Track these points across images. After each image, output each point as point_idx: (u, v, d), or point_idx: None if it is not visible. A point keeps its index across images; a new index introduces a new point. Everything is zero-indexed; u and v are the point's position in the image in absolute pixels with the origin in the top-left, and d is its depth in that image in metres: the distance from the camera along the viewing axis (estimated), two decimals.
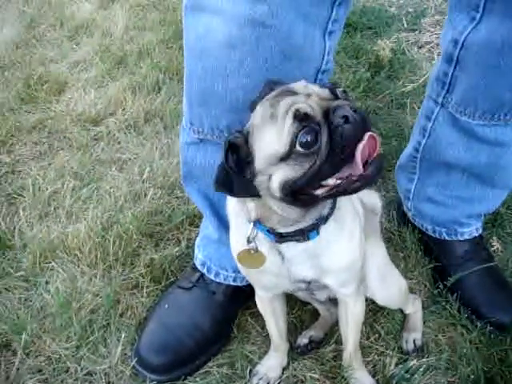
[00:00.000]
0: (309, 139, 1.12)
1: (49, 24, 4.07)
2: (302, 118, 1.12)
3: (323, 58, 1.48)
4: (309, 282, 1.51)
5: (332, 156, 1.12)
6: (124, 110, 3.03)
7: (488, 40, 1.65)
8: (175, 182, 2.49)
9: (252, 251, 1.40)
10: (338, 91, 1.19)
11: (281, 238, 1.35)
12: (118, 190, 2.48)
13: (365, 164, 1.13)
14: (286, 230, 1.34)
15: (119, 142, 2.83)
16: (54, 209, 2.42)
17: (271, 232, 1.35)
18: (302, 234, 1.35)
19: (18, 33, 3.91)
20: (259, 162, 1.18)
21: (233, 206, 1.45)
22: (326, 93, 1.17)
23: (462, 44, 1.73)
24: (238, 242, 1.45)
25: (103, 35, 3.85)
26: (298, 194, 1.20)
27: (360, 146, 1.11)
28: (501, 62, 1.66)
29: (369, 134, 1.12)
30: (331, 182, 1.17)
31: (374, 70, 3.37)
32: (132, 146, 2.79)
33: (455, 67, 1.79)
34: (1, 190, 2.53)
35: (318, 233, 1.36)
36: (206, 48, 1.46)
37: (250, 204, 1.32)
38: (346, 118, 1.10)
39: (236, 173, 1.18)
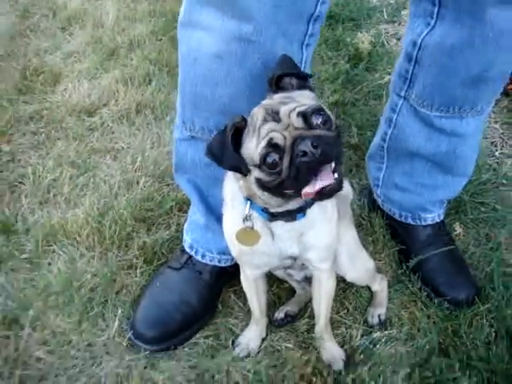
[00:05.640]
0: (272, 162, 1.34)
1: (42, 14, 4.17)
2: (271, 145, 1.34)
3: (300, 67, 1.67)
4: (294, 259, 1.72)
5: (292, 177, 1.34)
6: (116, 101, 3.16)
7: (440, 43, 1.88)
8: (165, 170, 2.63)
9: (248, 229, 1.60)
10: (315, 117, 1.36)
11: (272, 216, 1.56)
12: (113, 178, 2.63)
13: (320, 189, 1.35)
14: (275, 210, 1.54)
15: (113, 132, 2.96)
16: (54, 196, 2.55)
17: (265, 211, 1.56)
18: (290, 215, 1.56)
19: (12, 23, 4.02)
20: (244, 154, 1.39)
21: (231, 187, 1.64)
22: (300, 123, 1.35)
23: (420, 45, 1.95)
24: (234, 223, 1.64)
25: (95, 26, 3.96)
26: (271, 189, 1.42)
27: (303, 191, 1.35)
28: (450, 63, 1.88)
29: (317, 188, 1.33)
30: (290, 192, 1.39)
31: (354, 62, 3.52)
32: (124, 136, 2.93)
33: (414, 66, 2.00)
34: (3, 178, 2.66)
35: (304, 214, 1.58)
36: (198, 57, 1.67)
37: (240, 182, 1.53)
38: (304, 152, 1.31)
39: (233, 149, 1.38)
